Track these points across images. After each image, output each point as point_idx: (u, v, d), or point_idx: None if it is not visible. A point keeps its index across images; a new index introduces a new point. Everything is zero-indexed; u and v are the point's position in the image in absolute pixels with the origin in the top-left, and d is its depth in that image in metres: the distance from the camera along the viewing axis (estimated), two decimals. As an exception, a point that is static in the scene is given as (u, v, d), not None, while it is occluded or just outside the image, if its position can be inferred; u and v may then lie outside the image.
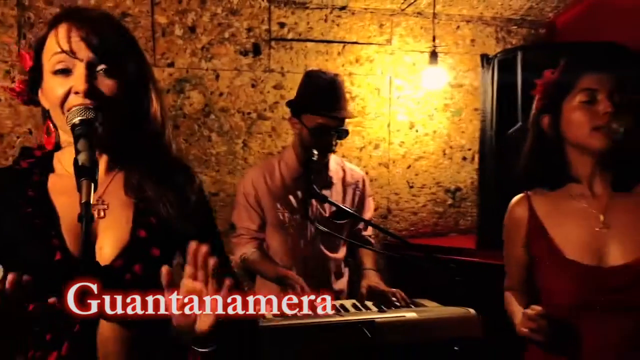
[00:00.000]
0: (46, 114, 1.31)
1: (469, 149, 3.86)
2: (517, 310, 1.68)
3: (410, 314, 2.26)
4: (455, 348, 2.22)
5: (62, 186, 1.29)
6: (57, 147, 1.32)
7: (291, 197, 2.66)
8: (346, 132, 2.62)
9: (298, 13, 3.51)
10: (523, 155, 1.76)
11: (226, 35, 3.39)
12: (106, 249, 1.24)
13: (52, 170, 1.32)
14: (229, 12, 3.38)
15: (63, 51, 1.21)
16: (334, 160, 2.76)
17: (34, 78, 1.30)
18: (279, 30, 3.48)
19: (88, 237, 1.05)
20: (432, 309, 2.34)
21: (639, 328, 1.57)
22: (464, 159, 3.87)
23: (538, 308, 1.52)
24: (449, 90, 3.78)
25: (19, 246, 1.23)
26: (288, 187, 2.66)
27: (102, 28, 1.25)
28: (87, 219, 1.03)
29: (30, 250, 1.22)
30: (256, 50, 3.44)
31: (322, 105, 2.54)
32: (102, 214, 1.27)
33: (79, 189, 1.05)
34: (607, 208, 1.62)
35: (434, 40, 3.45)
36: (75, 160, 1.09)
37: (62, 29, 1.23)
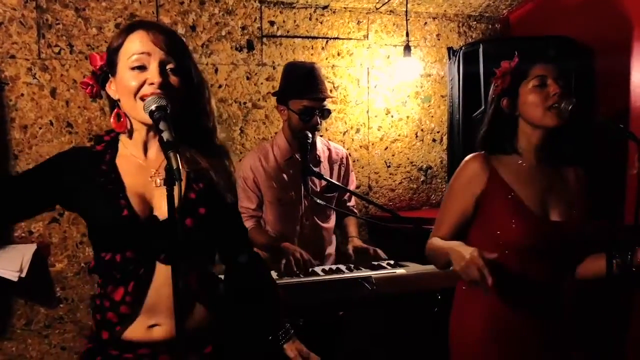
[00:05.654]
0: (115, 104, 1.50)
1: (438, 132, 4.05)
2: (453, 247, 1.73)
3: (400, 271, 2.50)
4: (438, 296, 2.47)
5: (125, 164, 1.51)
6: (129, 132, 1.51)
7: (285, 176, 2.81)
8: (328, 111, 2.76)
9: (286, 12, 3.64)
10: (481, 129, 1.96)
11: (223, 33, 3.50)
12: (164, 207, 1.33)
13: (117, 151, 1.53)
14: (225, 12, 3.49)
15: (142, 53, 1.41)
16: (319, 141, 2.90)
17: (104, 75, 1.51)
18: (269, 28, 3.60)
19: (180, 198, 1.23)
20: (417, 267, 2.55)
21: (564, 265, 1.87)
22: (434, 140, 4.06)
23: (493, 255, 1.62)
24: (419, 79, 3.94)
25: (96, 207, 1.46)
26: (281, 167, 2.81)
27: (170, 37, 1.46)
28: (179, 182, 1.19)
29: (104, 209, 1.44)
30: (250, 46, 3.56)
31: (305, 89, 2.69)
32: (159, 182, 1.49)
33: (168, 159, 1.20)
34: (549, 176, 1.89)
35: (407, 35, 3.60)
36: (160, 138, 1.27)
37: (140, 35, 1.43)
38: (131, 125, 1.50)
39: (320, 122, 2.74)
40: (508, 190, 1.84)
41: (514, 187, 1.84)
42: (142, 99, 1.40)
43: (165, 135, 1.27)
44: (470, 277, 1.61)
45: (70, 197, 1.48)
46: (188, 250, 1.44)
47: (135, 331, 1.48)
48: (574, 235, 1.84)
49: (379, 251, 2.70)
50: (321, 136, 2.93)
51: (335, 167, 2.95)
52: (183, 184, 1.49)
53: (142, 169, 1.51)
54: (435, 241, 1.89)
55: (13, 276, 2.78)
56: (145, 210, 1.47)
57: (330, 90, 3.57)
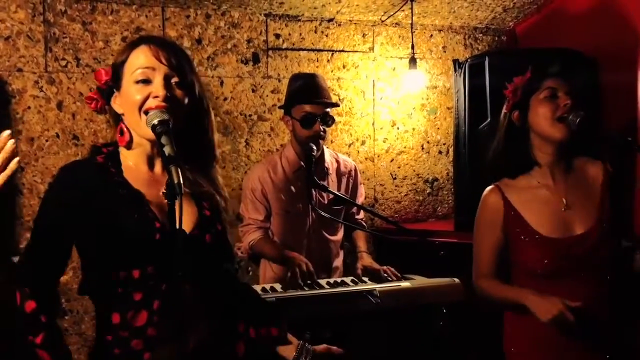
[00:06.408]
0: (119, 118, 1.48)
1: (444, 144, 4.04)
2: (531, 298, 1.76)
3: (405, 284, 2.46)
4: (443, 310, 2.44)
5: (134, 176, 1.47)
6: (128, 145, 1.48)
7: (293, 188, 2.79)
8: (332, 118, 2.74)
9: (291, 25, 3.65)
10: (494, 146, 1.98)
11: (229, 46, 3.52)
12: (186, 221, 1.40)
13: (121, 164, 1.48)
14: (230, 26, 3.51)
15: (147, 67, 1.40)
16: (328, 153, 2.89)
17: (109, 90, 1.48)
18: (275, 41, 3.62)
19: (180, 211, 1.22)
20: (423, 280, 2.54)
21: (598, 287, 1.82)
22: (440, 152, 4.05)
23: (577, 303, 1.67)
24: (424, 91, 3.95)
25: (122, 220, 1.37)
26: (290, 179, 2.80)
27: (175, 52, 1.45)
28: (180, 197, 1.20)
29: (133, 222, 1.37)
30: (255, 59, 3.58)
31: (306, 95, 2.69)
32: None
33: (169, 174, 1.22)
34: (567, 191, 1.88)
35: (412, 47, 3.62)
36: (162, 152, 1.28)
37: (145, 49, 1.43)
38: (131, 139, 1.48)
39: (323, 129, 2.71)
40: (521, 219, 1.87)
41: (526, 215, 1.87)
42: (146, 112, 1.39)
43: (167, 150, 1.27)
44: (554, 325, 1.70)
45: (90, 218, 1.39)
46: (208, 264, 1.45)
47: None
48: (601, 241, 1.82)
49: (390, 270, 2.65)
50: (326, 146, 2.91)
51: (344, 180, 2.94)
52: (193, 202, 1.49)
53: (151, 181, 1.48)
54: (491, 287, 1.93)
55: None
56: (167, 223, 1.40)
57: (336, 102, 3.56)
